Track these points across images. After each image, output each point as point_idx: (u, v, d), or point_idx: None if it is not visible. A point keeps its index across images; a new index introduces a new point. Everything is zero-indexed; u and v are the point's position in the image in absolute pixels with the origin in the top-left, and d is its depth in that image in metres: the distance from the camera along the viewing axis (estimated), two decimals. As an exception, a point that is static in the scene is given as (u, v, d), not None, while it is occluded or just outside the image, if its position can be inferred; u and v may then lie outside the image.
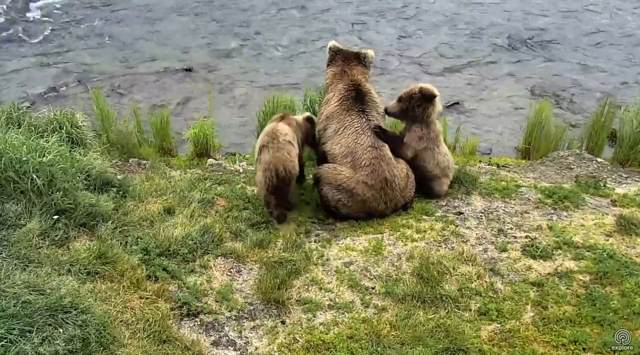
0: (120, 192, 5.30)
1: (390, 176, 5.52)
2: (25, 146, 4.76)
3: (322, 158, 5.87)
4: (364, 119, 5.67)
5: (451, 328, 4.11)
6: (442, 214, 5.66)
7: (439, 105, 5.87)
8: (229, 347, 3.96)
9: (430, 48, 12.28)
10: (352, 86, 5.81)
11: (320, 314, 4.29)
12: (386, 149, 5.62)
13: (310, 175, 6.16)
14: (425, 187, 5.96)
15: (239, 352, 3.93)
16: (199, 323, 4.11)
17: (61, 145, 5.20)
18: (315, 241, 5.19)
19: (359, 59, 6.03)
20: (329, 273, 4.74)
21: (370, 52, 6.12)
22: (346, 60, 6.01)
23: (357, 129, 5.63)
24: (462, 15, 13.86)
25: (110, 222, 4.79)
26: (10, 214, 4.46)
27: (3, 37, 12.21)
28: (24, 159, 4.62)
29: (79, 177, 5.01)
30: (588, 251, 5.01)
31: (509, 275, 4.74)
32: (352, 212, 5.55)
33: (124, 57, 11.54)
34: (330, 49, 6.11)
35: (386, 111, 5.96)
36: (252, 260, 4.82)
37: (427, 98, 5.70)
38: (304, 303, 4.37)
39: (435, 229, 5.35)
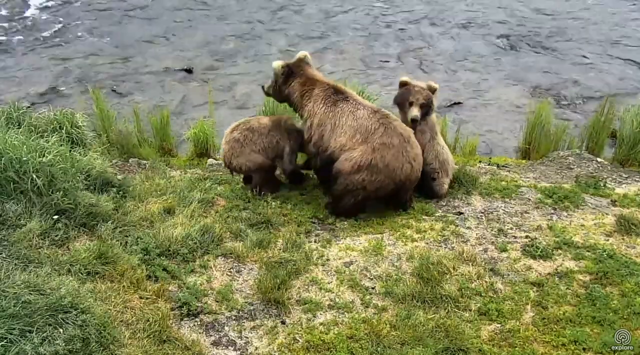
0: (120, 192, 5.30)
1: (405, 132, 5.46)
2: (25, 146, 4.76)
3: (328, 162, 5.68)
4: (351, 100, 5.64)
5: (451, 328, 4.11)
6: (442, 214, 5.67)
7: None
8: (229, 347, 3.96)
9: (430, 48, 12.29)
10: (326, 86, 5.77)
11: (320, 314, 4.29)
12: (389, 113, 5.62)
13: (312, 175, 6.17)
14: (425, 187, 5.95)
15: (239, 352, 3.93)
16: (199, 323, 4.11)
17: (61, 145, 5.20)
18: (315, 241, 5.19)
19: (307, 63, 5.92)
20: (329, 273, 4.74)
21: (304, 53, 5.97)
22: (301, 68, 5.85)
23: (350, 110, 5.57)
24: (462, 14, 13.86)
25: (110, 222, 4.79)
26: (10, 214, 4.46)
27: (3, 37, 12.21)
28: (24, 159, 4.62)
29: (79, 177, 5.01)
30: (588, 251, 5.01)
31: (509, 275, 4.75)
32: (380, 187, 5.36)
33: (124, 57, 11.55)
34: (281, 67, 5.82)
35: (413, 121, 5.82)
36: (252, 260, 4.82)
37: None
38: (304, 303, 4.37)
39: (435, 229, 5.36)
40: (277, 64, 5.86)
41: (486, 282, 4.64)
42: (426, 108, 5.85)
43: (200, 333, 4.03)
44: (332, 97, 5.67)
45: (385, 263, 4.87)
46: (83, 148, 5.88)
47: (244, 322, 4.18)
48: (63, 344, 3.32)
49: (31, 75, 10.72)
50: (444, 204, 5.88)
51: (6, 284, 3.60)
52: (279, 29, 13.01)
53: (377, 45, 12.39)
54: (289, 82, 5.85)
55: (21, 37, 12.24)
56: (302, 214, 5.61)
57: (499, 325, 4.22)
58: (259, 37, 12.61)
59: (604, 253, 4.93)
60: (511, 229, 5.40)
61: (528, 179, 6.51)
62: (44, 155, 4.77)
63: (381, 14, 13.94)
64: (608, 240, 5.21)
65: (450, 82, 10.90)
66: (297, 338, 4.04)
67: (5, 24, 12.70)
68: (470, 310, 4.36)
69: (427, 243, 5.16)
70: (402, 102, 5.91)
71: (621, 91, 10.34)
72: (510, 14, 13.86)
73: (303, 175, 6.28)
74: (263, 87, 6.14)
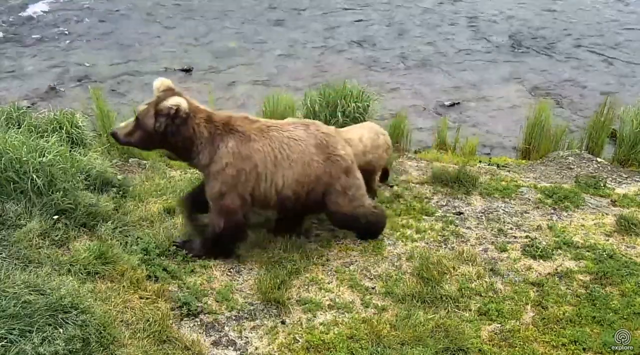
0: (120, 192, 5.30)
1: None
2: (25, 146, 4.75)
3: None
4: (271, 125, 4.78)
5: (451, 328, 4.11)
6: (442, 214, 5.66)
7: None
8: (229, 347, 3.96)
9: (430, 48, 12.29)
10: (238, 117, 4.83)
11: (320, 314, 4.29)
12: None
13: None
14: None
15: (239, 352, 3.93)
16: (199, 323, 4.11)
17: (61, 145, 5.19)
18: (315, 241, 5.19)
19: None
20: (329, 273, 4.74)
21: (166, 81, 4.54)
22: (189, 101, 4.50)
23: (285, 135, 4.64)
24: (462, 14, 13.87)
25: (110, 222, 4.79)
26: (10, 214, 4.45)
27: (2, 37, 12.21)
28: (24, 159, 4.61)
29: (79, 177, 5.00)
30: (588, 251, 5.01)
31: (509, 275, 4.75)
32: None
33: (124, 57, 11.54)
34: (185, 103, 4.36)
35: None
36: (252, 260, 4.82)
37: None
38: (304, 303, 4.37)
39: (435, 229, 5.35)
40: (178, 100, 4.30)
41: (486, 282, 4.64)
42: None
43: (200, 333, 4.03)
44: (256, 128, 4.71)
45: (385, 263, 4.87)
46: (83, 148, 5.87)
47: (244, 322, 4.17)
48: (63, 344, 3.31)
49: (31, 75, 10.72)
50: (444, 204, 5.88)
51: (6, 284, 3.59)
52: (279, 28, 13.01)
53: (378, 45, 12.39)
54: (192, 121, 4.42)
55: (21, 38, 12.24)
56: (302, 214, 5.60)
57: (499, 325, 4.22)
58: (259, 36, 12.61)
59: (604, 253, 4.93)
60: (511, 229, 5.40)
61: (528, 179, 6.51)
62: (43, 155, 4.76)
63: (381, 14, 13.94)
64: (608, 240, 5.21)
65: (451, 82, 10.90)
66: (297, 338, 4.04)
67: (5, 25, 12.70)
68: (470, 310, 4.36)
69: (427, 243, 5.16)
70: None
71: (621, 91, 10.34)
72: (511, 14, 13.86)
73: None
74: (115, 134, 4.51)
